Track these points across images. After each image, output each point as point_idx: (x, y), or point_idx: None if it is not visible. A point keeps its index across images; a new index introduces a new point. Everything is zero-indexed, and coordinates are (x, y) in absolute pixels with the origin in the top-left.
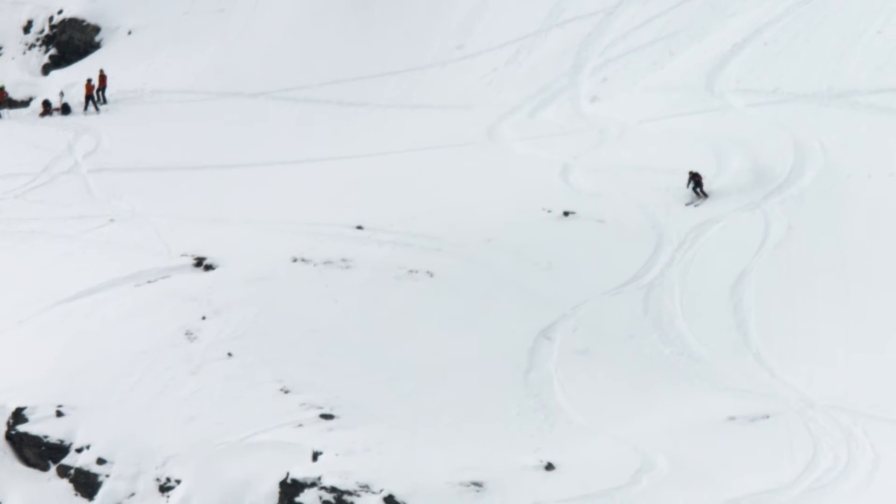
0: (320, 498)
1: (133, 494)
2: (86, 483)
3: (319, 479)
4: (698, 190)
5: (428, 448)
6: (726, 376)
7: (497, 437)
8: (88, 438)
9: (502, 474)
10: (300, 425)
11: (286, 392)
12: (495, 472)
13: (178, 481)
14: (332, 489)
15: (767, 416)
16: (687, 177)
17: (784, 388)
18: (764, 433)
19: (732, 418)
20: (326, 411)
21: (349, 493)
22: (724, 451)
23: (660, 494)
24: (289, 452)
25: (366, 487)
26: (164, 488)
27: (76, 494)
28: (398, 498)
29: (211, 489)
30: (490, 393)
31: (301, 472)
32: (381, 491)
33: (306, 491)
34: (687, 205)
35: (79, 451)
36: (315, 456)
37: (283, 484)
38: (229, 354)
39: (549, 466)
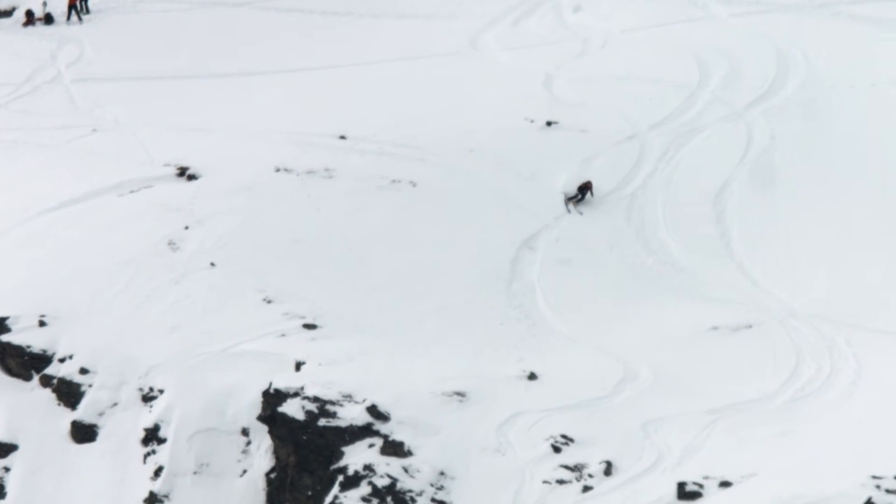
0: (303, 407)
1: (116, 404)
2: (68, 393)
3: (302, 388)
4: (577, 199)
5: (411, 358)
6: (709, 286)
7: (480, 347)
8: (71, 348)
9: (485, 384)
10: (283, 335)
11: (269, 302)
12: (478, 382)
13: (160, 391)
14: (315, 399)
15: (750, 326)
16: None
17: (767, 297)
18: (747, 343)
19: (715, 328)
20: (309, 321)
21: (332, 403)
22: (706, 360)
23: (643, 404)
24: (272, 362)
25: (349, 397)
26: (147, 398)
27: (59, 404)
28: (381, 408)
29: (194, 399)
30: (473, 303)
31: (284, 381)
32: (364, 401)
33: (289, 401)
34: (569, 211)
35: (62, 360)
36: (298, 366)
37: (265, 393)
38: (212, 264)
39: (532, 376)
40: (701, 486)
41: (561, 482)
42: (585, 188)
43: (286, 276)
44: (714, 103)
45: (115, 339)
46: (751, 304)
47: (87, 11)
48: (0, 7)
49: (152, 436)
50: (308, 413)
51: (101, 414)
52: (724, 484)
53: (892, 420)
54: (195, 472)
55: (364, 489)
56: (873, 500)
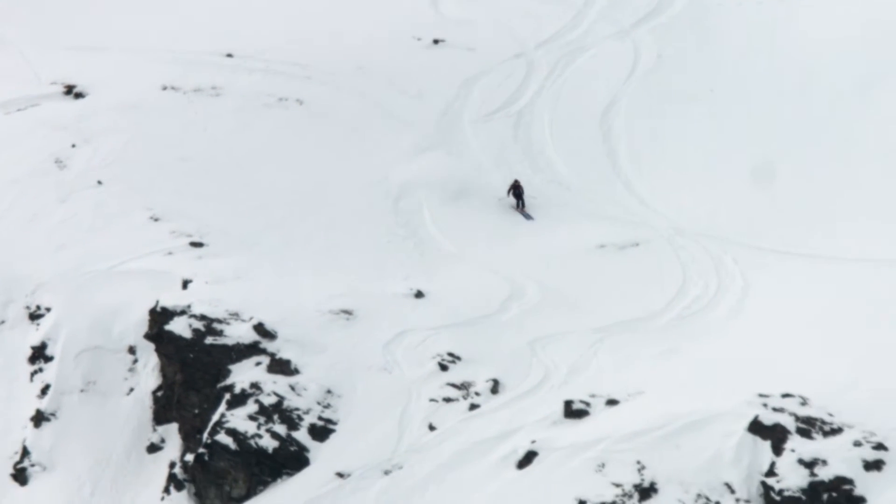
0: (190, 325)
1: (2, 322)
2: None
3: (189, 306)
4: (518, 200)
5: (298, 276)
6: (596, 204)
7: (367, 266)
8: None
9: (372, 302)
10: (170, 253)
11: (156, 220)
12: (365, 300)
13: (47, 309)
14: (202, 317)
15: (637, 244)
16: (509, 185)
17: (654, 216)
18: (634, 261)
19: (602, 246)
20: (196, 239)
21: (219, 321)
22: (594, 278)
23: (529, 322)
24: (158, 280)
25: (235, 315)
26: (34, 316)
27: None
28: (268, 326)
29: (81, 316)
30: (360, 221)
31: (171, 299)
32: (251, 319)
33: (176, 319)
34: (513, 207)
35: None
36: (185, 284)
37: (152, 312)
38: (99, 183)
39: (419, 294)
40: (588, 404)
41: (448, 400)
42: (516, 189)
43: (173, 194)
44: (601, 22)
45: (2, 257)
46: (638, 223)
47: None
48: None
49: (39, 354)
50: (195, 331)
51: None
52: (611, 402)
53: (779, 338)
54: (82, 391)
55: (251, 407)
56: (760, 418)
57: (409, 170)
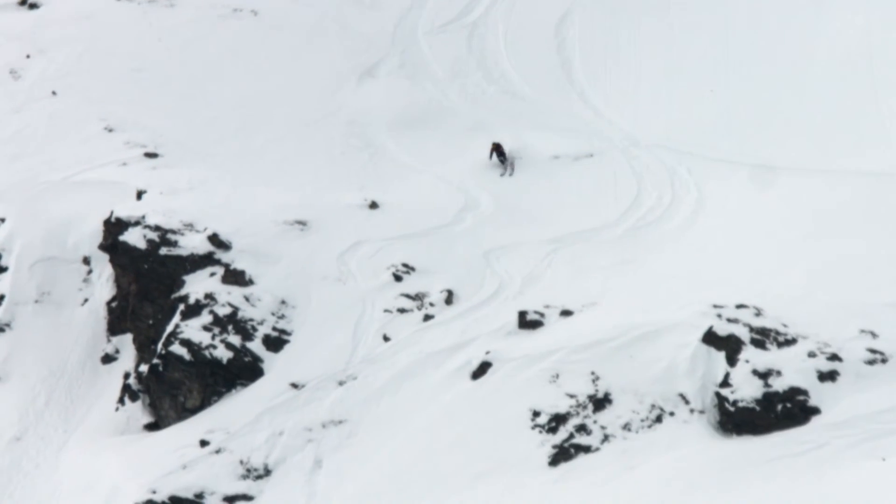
0: (144, 236)
1: None
2: None
3: (143, 217)
4: (502, 159)
5: (252, 187)
6: (551, 115)
7: (321, 176)
8: None
9: (326, 213)
10: (124, 164)
11: (110, 131)
12: (319, 211)
13: (1, 220)
14: (157, 227)
15: (591, 155)
16: (489, 148)
17: (608, 126)
18: (588, 172)
19: (557, 157)
20: (151, 150)
21: (173, 232)
22: (548, 188)
23: (483, 232)
24: (113, 191)
25: (190, 226)
26: None
27: None
28: (222, 236)
29: (34, 227)
30: (314, 132)
31: (125, 210)
32: (206, 229)
33: (130, 229)
34: (501, 175)
35: None
36: (139, 194)
37: (107, 222)
38: (53, 93)
39: (374, 205)
40: (542, 315)
41: (402, 311)
42: (499, 151)
43: (128, 105)
44: None
45: None
46: (592, 134)
47: None
48: None
49: None
50: (149, 242)
51: None
52: (566, 313)
53: (733, 249)
54: (36, 301)
55: (205, 318)
56: (714, 328)
57: (363, 80)
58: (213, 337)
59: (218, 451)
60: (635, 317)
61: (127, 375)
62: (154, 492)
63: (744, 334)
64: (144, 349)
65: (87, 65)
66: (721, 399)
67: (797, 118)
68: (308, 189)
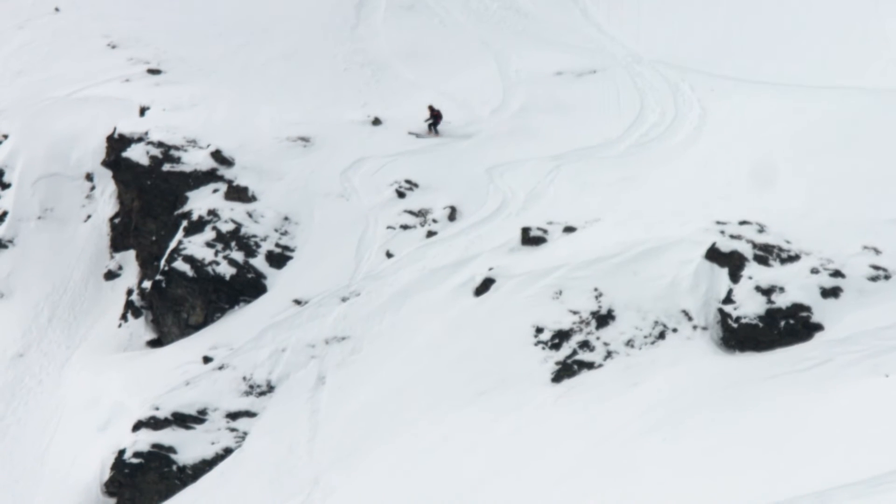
0: (147, 152)
1: None
2: None
3: (147, 133)
4: (433, 127)
5: (255, 103)
6: (553, 31)
7: (324, 93)
8: None
9: (329, 129)
10: (127, 80)
11: (114, 47)
12: (322, 128)
13: (4, 136)
14: (160, 144)
15: (595, 71)
16: (428, 112)
17: (611, 43)
18: (591, 88)
19: (560, 73)
20: (154, 66)
21: (176, 148)
22: (551, 105)
23: (486, 149)
24: (116, 107)
25: (193, 142)
26: None
27: None
28: (225, 153)
29: (38, 143)
30: (317, 48)
31: (128, 126)
32: (209, 146)
33: (133, 146)
34: (418, 136)
35: None
36: (142, 111)
37: (110, 139)
38: (56, 9)
39: (377, 121)
40: (545, 231)
41: (405, 227)
42: (436, 115)
43: (132, 20)
44: None
45: None
46: (595, 50)
47: None
48: None
49: None
50: (152, 158)
51: None
52: (569, 229)
53: (736, 165)
54: (39, 217)
55: (208, 234)
56: (717, 245)
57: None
58: (217, 253)
59: (221, 368)
60: (638, 233)
61: (130, 292)
62: (157, 408)
63: (747, 251)
64: (147, 265)
65: None
66: (724, 315)
67: (800, 36)
68: (311, 106)
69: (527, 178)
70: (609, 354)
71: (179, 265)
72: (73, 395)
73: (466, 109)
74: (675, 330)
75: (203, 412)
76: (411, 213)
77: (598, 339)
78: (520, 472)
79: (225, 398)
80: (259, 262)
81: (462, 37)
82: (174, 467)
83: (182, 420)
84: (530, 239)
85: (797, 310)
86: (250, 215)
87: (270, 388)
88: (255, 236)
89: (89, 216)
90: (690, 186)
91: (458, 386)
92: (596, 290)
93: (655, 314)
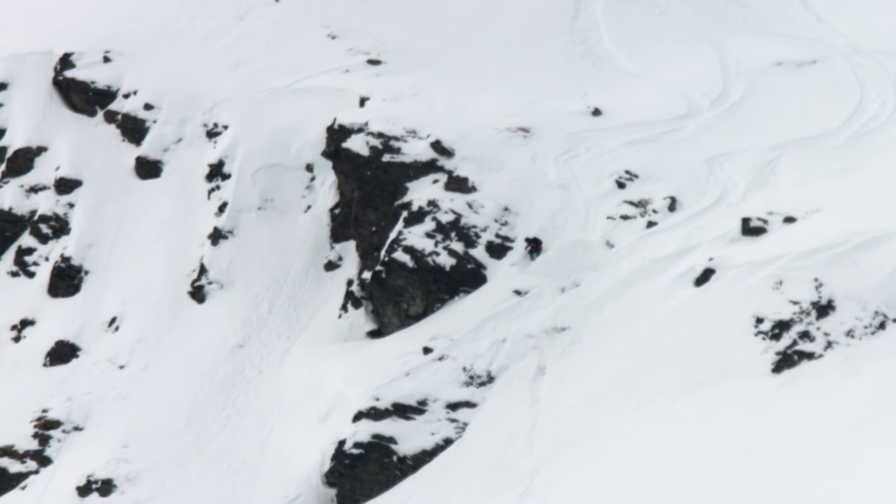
0: (367, 143)
1: (180, 140)
2: (133, 128)
3: (366, 124)
4: (533, 255)
5: (474, 94)
6: (773, 21)
7: (543, 83)
8: (136, 84)
9: (549, 119)
10: (347, 71)
11: (333, 38)
12: (542, 118)
13: (225, 127)
14: (379, 134)
15: (814, 62)
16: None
17: (831, 33)
18: (811, 78)
19: (780, 63)
20: (374, 57)
21: (396, 139)
22: (771, 96)
23: (705, 140)
24: (336, 98)
25: (413, 133)
26: (212, 133)
27: (123, 140)
28: (445, 143)
29: (258, 134)
30: (536, 39)
31: (348, 117)
32: (429, 136)
33: (353, 136)
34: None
35: (126, 96)
36: (362, 101)
37: (330, 129)
38: (276, 0)
39: (596, 112)
40: (765, 221)
41: (625, 218)
42: (535, 244)
43: (351, 11)
44: None
45: (180, 74)
46: (815, 40)
47: None
48: None
49: (216, 171)
50: (372, 149)
51: (165, 150)
52: (789, 219)
53: None
54: (259, 208)
55: (428, 225)
56: None
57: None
58: (436, 244)
59: (441, 359)
60: (859, 223)
61: (350, 282)
62: (377, 399)
63: None
64: (367, 256)
65: None
66: None
67: None
68: (530, 96)
69: (746, 168)
70: (829, 345)
71: (399, 256)
72: (294, 385)
73: (686, 99)
74: (895, 321)
75: (423, 403)
76: (631, 203)
77: (818, 329)
78: (736, 464)
79: (445, 389)
80: (479, 253)
81: (681, 27)
82: (394, 458)
83: (402, 411)
84: (750, 229)
85: None
86: (470, 206)
87: (490, 379)
88: (474, 227)
89: (309, 207)
90: None
91: (677, 375)
92: (816, 280)
93: (875, 304)
